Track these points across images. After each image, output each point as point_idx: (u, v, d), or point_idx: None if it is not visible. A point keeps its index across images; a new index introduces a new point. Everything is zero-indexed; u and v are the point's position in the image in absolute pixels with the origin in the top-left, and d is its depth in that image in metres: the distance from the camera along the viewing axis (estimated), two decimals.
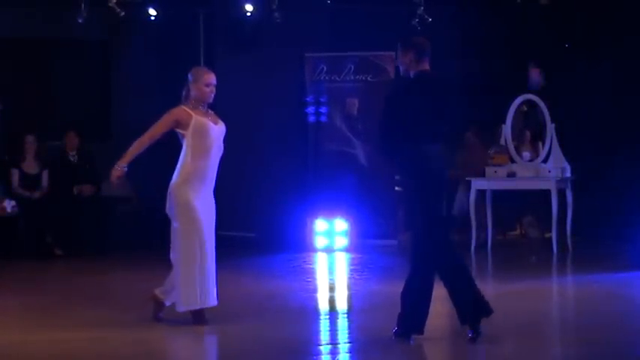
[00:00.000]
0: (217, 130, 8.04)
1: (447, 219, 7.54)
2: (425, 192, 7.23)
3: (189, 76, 8.17)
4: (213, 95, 8.10)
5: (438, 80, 7.44)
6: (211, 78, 8.12)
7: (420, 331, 7.46)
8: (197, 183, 7.94)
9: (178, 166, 8.02)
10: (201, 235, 7.86)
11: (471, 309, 7.42)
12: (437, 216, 7.28)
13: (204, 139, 7.95)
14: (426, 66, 7.46)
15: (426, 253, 7.39)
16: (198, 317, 7.93)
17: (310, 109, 13.56)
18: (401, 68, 7.53)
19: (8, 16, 13.80)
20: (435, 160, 7.24)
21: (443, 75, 7.50)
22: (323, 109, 13.50)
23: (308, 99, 13.58)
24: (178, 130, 8.01)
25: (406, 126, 7.19)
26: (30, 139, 13.10)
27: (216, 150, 8.03)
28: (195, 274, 7.84)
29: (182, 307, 7.93)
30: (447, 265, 7.42)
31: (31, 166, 13.13)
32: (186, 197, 7.89)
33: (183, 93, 8.18)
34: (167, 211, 8.03)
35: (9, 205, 12.55)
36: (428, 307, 7.50)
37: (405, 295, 7.52)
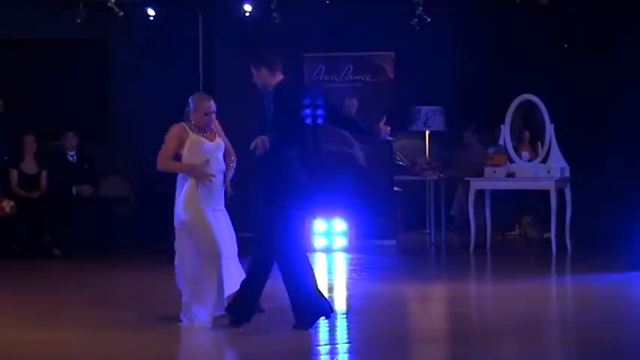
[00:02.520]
0: (212, 146, 8.04)
1: (295, 222, 7.81)
2: (280, 195, 7.68)
3: (190, 102, 8.11)
4: (212, 122, 8.09)
5: (295, 89, 8.02)
6: (211, 106, 8.07)
7: (249, 320, 7.77)
8: (202, 199, 7.95)
9: (181, 187, 7.99)
10: (216, 244, 7.89)
11: (309, 310, 7.75)
12: (286, 217, 7.69)
13: (200, 156, 7.96)
14: (280, 77, 7.92)
15: (268, 250, 7.76)
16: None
17: (308, 110, 13.53)
18: (259, 85, 7.95)
19: (7, 17, 13.79)
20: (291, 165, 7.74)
21: (300, 85, 7.99)
22: (321, 110, 13.46)
23: (306, 100, 13.54)
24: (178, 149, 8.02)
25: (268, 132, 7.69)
26: (29, 139, 13.08)
27: (215, 165, 8.03)
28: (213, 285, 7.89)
29: (208, 319, 7.93)
30: (288, 266, 7.79)
31: (30, 166, 13.11)
32: (197, 211, 7.89)
33: (184, 115, 8.16)
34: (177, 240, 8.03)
35: (8, 205, 12.54)
36: (258, 298, 7.87)
37: (244, 286, 7.79)
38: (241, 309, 7.80)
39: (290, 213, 7.75)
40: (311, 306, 7.78)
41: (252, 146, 7.68)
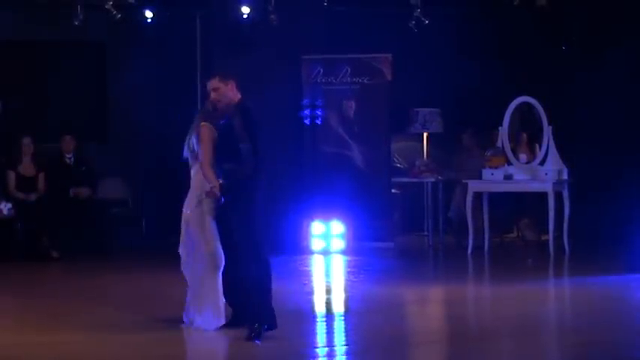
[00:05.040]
0: None
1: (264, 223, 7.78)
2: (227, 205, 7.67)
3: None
4: (218, 99, 7.87)
5: (250, 106, 7.88)
6: (209, 84, 8.00)
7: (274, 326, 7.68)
8: (209, 201, 8.00)
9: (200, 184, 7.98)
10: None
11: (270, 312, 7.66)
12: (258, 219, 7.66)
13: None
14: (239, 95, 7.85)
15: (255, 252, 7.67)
16: None
17: (306, 112, 13.55)
18: (223, 102, 7.81)
19: (5, 18, 13.78)
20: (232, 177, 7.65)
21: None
22: (319, 112, 13.48)
23: (304, 101, 13.57)
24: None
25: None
26: (27, 141, 13.07)
27: None
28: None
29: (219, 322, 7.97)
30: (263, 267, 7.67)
31: (27, 168, 13.10)
32: (209, 214, 7.94)
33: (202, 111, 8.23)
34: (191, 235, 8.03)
35: (5, 207, 12.53)
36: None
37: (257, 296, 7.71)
38: (267, 316, 7.67)
39: (257, 214, 7.70)
40: (260, 312, 7.65)
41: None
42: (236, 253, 7.76)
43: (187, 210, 8.00)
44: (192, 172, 8.05)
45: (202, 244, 7.93)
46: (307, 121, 13.41)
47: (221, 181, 7.64)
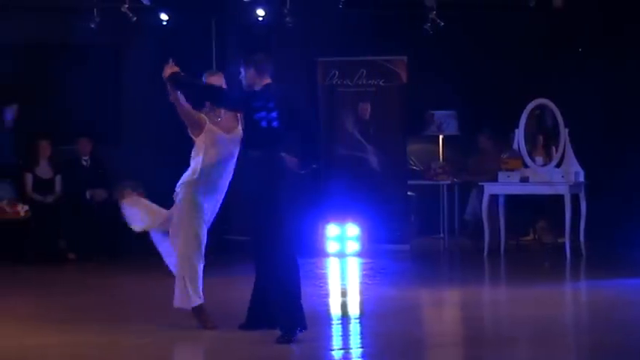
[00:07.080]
0: (226, 139, 8.06)
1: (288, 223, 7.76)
2: (254, 195, 7.71)
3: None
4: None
5: (279, 91, 7.90)
6: (212, 79, 8.11)
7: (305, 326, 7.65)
8: (205, 187, 8.02)
9: (192, 167, 8.07)
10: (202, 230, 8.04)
11: (290, 319, 7.64)
12: (279, 218, 7.67)
13: (214, 147, 8.01)
14: (268, 80, 7.91)
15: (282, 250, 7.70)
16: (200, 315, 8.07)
17: (322, 114, 13.55)
18: (244, 83, 7.96)
19: (21, 22, 13.82)
20: (259, 166, 7.71)
21: (286, 87, 8.04)
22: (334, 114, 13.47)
23: (319, 104, 13.57)
24: (193, 133, 8.06)
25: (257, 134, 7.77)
26: (44, 144, 13.14)
27: (227, 157, 8.07)
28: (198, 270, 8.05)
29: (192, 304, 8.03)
30: (275, 270, 7.69)
31: (44, 170, 13.16)
32: (193, 197, 8.00)
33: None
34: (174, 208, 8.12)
35: (22, 209, 12.58)
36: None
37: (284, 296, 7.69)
38: (299, 318, 7.66)
39: (282, 214, 7.69)
40: (292, 314, 7.63)
41: None
42: (263, 256, 7.77)
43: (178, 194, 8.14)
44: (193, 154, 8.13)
45: (184, 225, 8.01)
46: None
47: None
